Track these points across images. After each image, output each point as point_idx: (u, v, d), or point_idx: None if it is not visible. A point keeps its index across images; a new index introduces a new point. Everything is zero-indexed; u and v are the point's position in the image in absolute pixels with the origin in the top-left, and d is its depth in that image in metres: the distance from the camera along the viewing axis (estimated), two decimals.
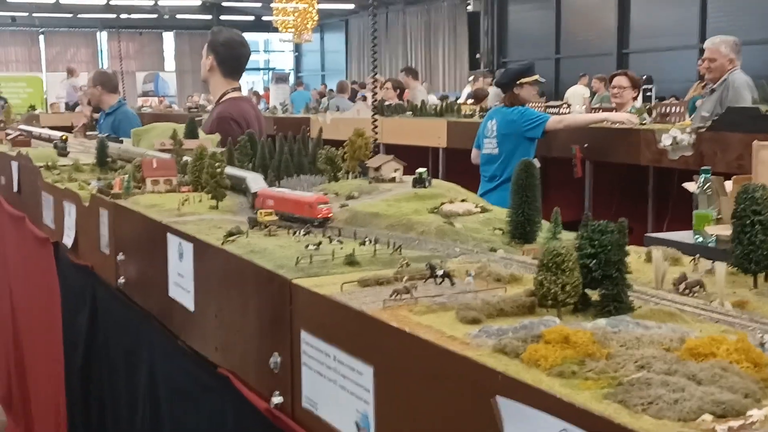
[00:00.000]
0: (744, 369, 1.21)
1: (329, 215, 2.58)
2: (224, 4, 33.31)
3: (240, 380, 2.26)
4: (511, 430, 1.32)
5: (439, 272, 1.85)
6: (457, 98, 14.71)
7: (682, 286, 1.77)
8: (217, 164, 2.97)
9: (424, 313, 1.64)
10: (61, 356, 4.04)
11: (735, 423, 1.07)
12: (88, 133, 7.14)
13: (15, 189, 5.20)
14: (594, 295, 1.63)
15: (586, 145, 6.80)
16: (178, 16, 34.47)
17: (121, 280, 3.28)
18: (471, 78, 18.62)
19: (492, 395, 1.33)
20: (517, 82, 6.67)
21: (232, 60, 5.71)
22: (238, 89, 5.84)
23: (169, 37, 36.24)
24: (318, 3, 24.87)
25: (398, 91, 12.99)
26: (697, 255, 2.01)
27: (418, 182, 2.78)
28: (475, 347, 1.43)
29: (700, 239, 3.67)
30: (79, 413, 3.90)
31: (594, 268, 1.58)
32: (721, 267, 1.74)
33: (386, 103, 11.14)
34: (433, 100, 13.49)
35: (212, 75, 5.73)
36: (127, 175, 3.55)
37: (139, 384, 3.04)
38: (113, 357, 3.42)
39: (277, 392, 2.07)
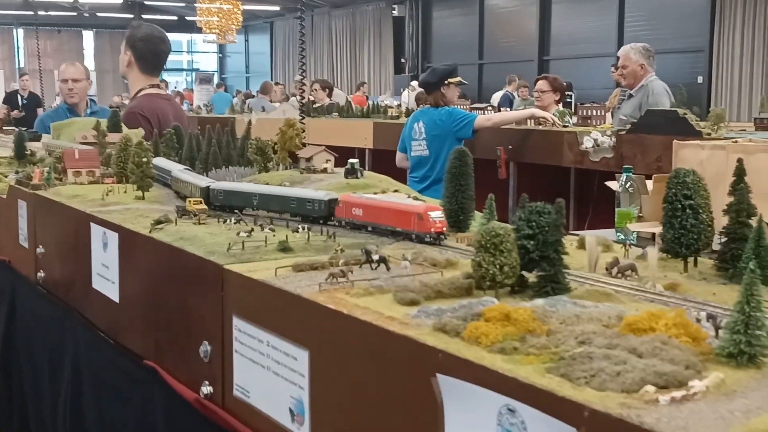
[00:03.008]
0: (683, 343, 1.22)
1: (443, 229, 2.08)
2: (147, 2, 32.71)
3: (168, 371, 2.21)
4: (451, 409, 1.30)
5: (375, 257, 1.83)
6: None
7: (614, 270, 1.79)
8: (143, 153, 2.90)
9: (362, 295, 1.63)
10: None
11: (678, 393, 1.08)
12: (4, 128, 6.93)
13: None
14: (531, 277, 1.63)
15: (510, 147, 6.87)
16: (99, 14, 33.68)
17: (41, 273, 3.18)
18: (388, 92, 18.90)
19: (433, 374, 1.31)
20: (445, 83, 6.68)
21: (151, 56, 5.58)
22: (157, 86, 5.72)
23: (89, 36, 35.39)
24: (242, 4, 24.63)
25: (327, 90, 13.01)
26: (628, 242, 2.03)
27: (350, 173, 2.76)
28: (415, 327, 1.42)
29: (622, 236, 3.73)
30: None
31: (532, 249, 1.58)
32: (653, 251, 1.77)
33: (316, 104, 11.13)
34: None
35: (130, 71, 5.60)
36: (47, 167, 3.44)
37: (63, 380, 2.94)
38: (35, 355, 3.31)
39: (207, 382, 2.02)
